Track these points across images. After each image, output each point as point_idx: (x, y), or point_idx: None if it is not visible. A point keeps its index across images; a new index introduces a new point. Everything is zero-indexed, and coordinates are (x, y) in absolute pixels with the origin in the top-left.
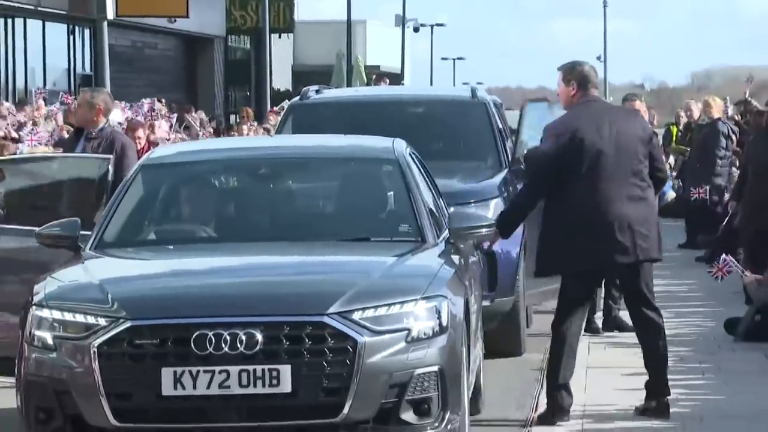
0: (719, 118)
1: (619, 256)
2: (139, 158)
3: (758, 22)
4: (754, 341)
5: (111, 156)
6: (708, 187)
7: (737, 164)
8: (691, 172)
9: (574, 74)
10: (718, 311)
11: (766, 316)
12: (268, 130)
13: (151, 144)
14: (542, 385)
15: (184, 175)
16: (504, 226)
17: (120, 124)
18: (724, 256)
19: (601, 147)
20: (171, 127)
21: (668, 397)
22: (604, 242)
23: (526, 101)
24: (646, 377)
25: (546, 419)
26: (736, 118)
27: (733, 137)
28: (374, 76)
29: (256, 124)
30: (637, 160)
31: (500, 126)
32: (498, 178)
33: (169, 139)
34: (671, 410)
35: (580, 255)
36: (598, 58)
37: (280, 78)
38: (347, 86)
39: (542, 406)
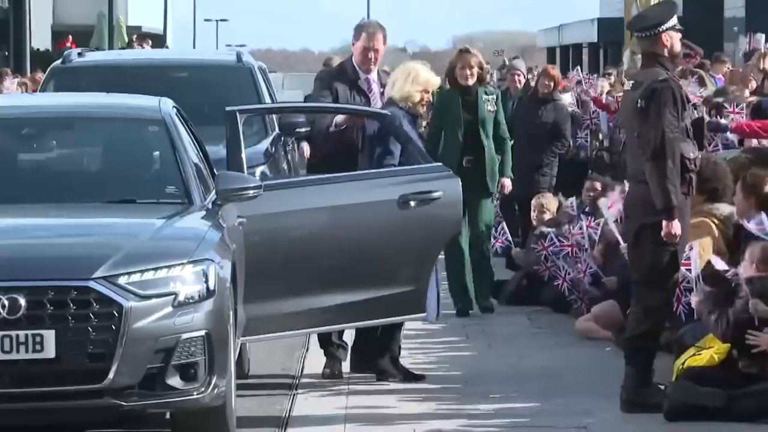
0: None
1: None
2: None
3: None
4: (518, 305)
5: None
6: None
7: None
8: None
9: None
10: None
11: (532, 281)
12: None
13: None
14: (307, 348)
15: None
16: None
17: None
18: (503, 225)
19: None
20: None
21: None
22: None
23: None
24: None
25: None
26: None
27: None
28: (135, 37)
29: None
30: None
31: (265, 91)
32: (263, 145)
33: None
34: (435, 374)
35: None
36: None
37: (40, 38)
38: (109, 47)
39: (309, 368)
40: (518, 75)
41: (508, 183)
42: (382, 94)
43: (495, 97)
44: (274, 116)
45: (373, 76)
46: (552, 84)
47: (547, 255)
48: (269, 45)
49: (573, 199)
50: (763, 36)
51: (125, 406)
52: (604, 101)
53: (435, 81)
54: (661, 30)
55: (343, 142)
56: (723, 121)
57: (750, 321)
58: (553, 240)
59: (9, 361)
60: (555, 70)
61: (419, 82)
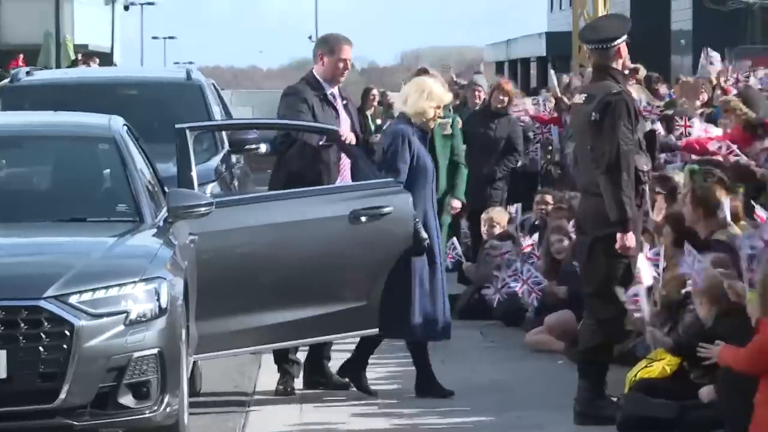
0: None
1: None
2: None
3: (466, 1)
4: (470, 319)
5: None
6: None
7: None
8: None
9: None
10: None
11: (484, 295)
12: None
13: None
14: (260, 365)
15: None
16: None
17: None
18: (453, 240)
19: None
20: None
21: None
22: None
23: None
24: None
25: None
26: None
27: None
28: (80, 55)
29: None
30: None
31: (216, 107)
32: (214, 162)
33: None
34: (388, 389)
35: None
36: (310, 37)
37: None
38: (56, 67)
39: (262, 385)
40: (479, 91)
41: (457, 204)
42: (345, 107)
43: (451, 120)
44: (224, 133)
45: (335, 89)
46: (506, 99)
47: (500, 263)
48: (217, 62)
49: (518, 206)
50: (718, 54)
51: (77, 425)
52: (548, 117)
53: (447, 97)
54: (617, 43)
55: (319, 160)
56: (672, 138)
57: (700, 333)
58: (510, 249)
59: None
60: (509, 85)
61: (433, 98)
